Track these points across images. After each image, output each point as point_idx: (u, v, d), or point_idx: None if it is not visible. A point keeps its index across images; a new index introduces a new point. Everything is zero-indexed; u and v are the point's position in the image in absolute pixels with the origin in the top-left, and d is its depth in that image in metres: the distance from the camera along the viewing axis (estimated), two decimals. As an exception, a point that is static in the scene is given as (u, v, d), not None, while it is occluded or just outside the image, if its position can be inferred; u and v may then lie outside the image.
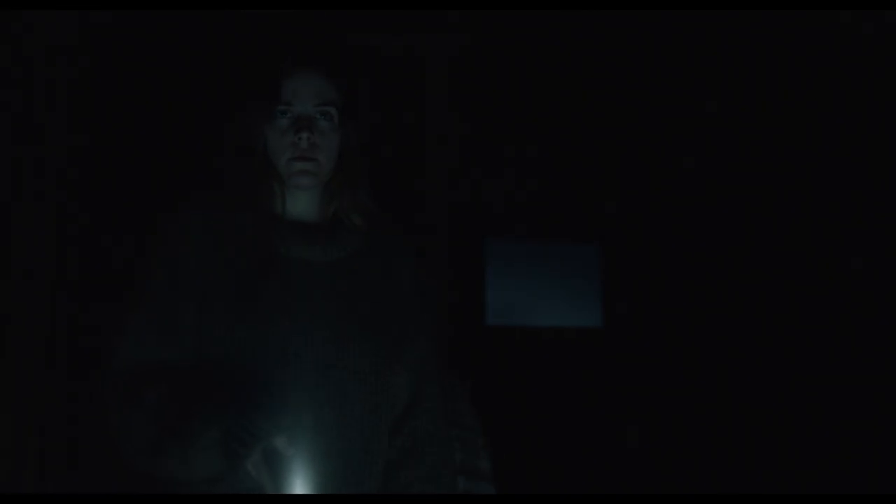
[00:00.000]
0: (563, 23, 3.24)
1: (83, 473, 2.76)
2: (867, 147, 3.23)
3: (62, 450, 2.84)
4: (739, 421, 3.33)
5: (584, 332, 3.59)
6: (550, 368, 3.51)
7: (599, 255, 3.65)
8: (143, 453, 1.56)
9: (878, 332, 3.20)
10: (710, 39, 3.25)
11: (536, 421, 3.40)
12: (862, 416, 3.17)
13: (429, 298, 1.83)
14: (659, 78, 3.38)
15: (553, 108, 3.47)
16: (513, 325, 3.63)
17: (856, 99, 3.20)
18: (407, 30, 3.28)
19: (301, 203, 1.72)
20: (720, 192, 3.45)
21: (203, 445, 1.50)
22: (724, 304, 3.42)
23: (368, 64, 1.92)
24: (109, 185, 2.95)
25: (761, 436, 3.29)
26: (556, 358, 3.53)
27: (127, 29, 2.92)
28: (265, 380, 1.57)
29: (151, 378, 1.58)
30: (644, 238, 3.52)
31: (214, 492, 1.54)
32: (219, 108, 1.77)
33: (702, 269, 3.46)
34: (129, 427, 1.57)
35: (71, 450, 2.82)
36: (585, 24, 3.25)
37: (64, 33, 2.86)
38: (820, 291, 3.30)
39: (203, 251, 1.64)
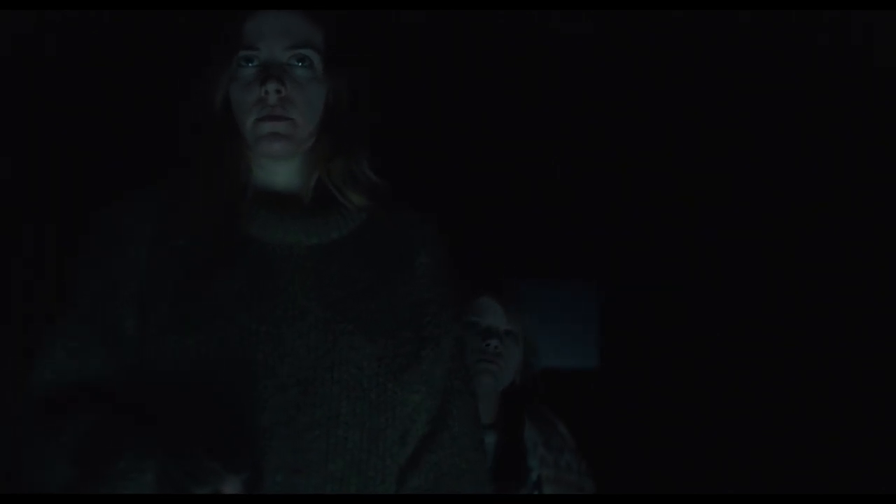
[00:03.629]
0: (563, 64, 3.22)
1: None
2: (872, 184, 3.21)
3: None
4: (742, 465, 3.30)
5: (580, 374, 3.53)
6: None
7: (598, 296, 3.61)
8: (53, 490, 1.19)
9: (881, 357, 3.18)
10: (713, 79, 3.21)
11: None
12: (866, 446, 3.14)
13: (451, 290, 1.41)
14: (658, 121, 3.36)
15: (555, 147, 3.44)
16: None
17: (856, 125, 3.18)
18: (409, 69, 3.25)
19: (280, 174, 1.35)
20: (722, 233, 3.44)
21: (133, 488, 1.14)
22: (725, 346, 3.40)
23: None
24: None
25: (762, 478, 3.27)
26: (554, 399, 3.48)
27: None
28: (224, 402, 1.20)
29: (75, 403, 1.23)
30: (643, 279, 3.50)
31: None
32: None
33: (701, 309, 3.43)
34: (40, 462, 1.20)
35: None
36: (588, 65, 3.22)
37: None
38: (825, 336, 3.27)
39: (147, 241, 1.29)
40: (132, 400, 1.22)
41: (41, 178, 2.64)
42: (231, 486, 1.11)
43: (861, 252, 3.24)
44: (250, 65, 1.28)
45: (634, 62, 3.12)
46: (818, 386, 3.26)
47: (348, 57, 1.32)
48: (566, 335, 3.64)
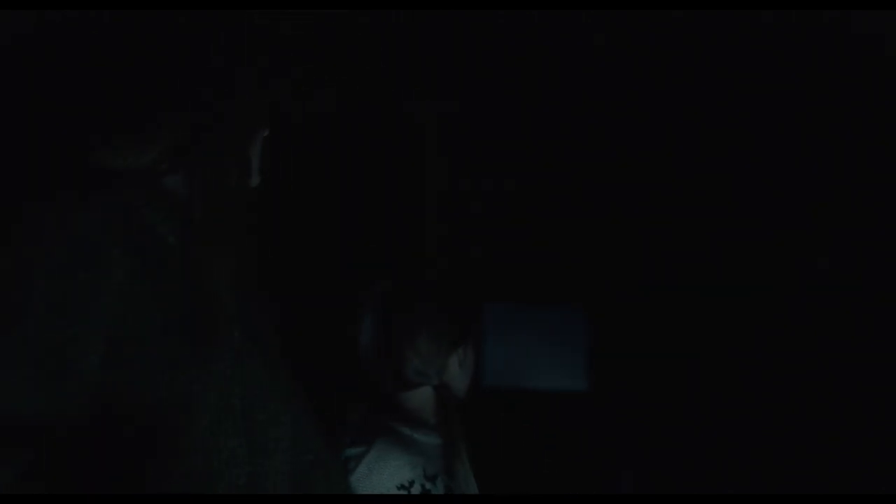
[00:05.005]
0: (556, 82, 3.22)
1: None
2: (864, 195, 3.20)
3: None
4: (735, 468, 3.30)
5: (572, 396, 3.57)
6: (538, 430, 3.48)
7: (585, 318, 3.65)
8: None
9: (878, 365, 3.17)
10: (706, 98, 3.22)
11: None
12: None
13: None
14: (649, 142, 3.37)
15: (545, 170, 3.45)
16: (508, 386, 3.63)
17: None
18: (404, 89, 3.25)
19: None
20: (711, 256, 3.44)
21: None
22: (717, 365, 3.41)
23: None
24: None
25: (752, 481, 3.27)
26: (543, 420, 3.51)
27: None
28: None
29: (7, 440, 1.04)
30: (631, 302, 3.51)
31: None
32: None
33: (689, 331, 3.44)
34: None
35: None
36: (579, 85, 3.22)
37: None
38: (813, 351, 3.27)
39: (125, 262, 1.14)
40: (84, 449, 1.09)
41: (41, 180, 2.64)
42: None
43: (860, 256, 3.24)
44: None
45: (629, 66, 3.13)
46: (814, 393, 3.26)
47: None
48: (554, 357, 3.72)
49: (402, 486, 1.81)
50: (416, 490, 1.83)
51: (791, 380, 3.27)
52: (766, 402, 3.30)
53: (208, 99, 1.25)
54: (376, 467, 1.82)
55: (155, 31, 1.32)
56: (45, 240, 1.11)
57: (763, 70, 3.07)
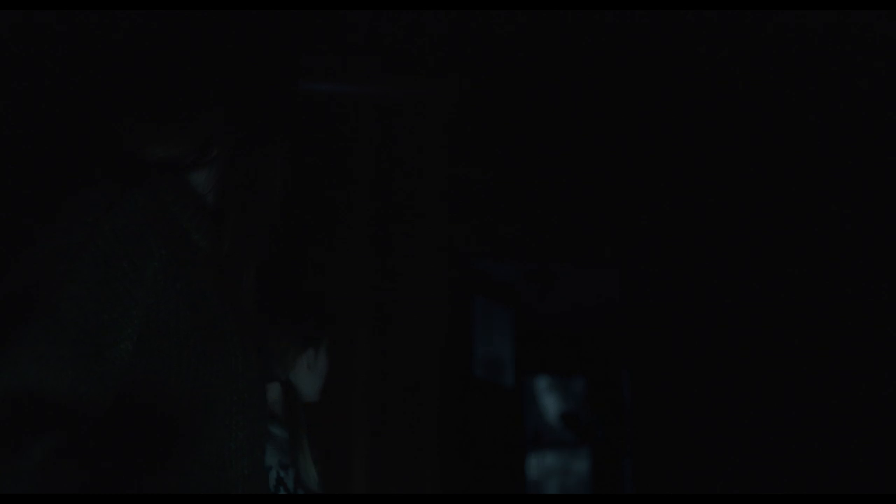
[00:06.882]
0: (556, 81, 3.22)
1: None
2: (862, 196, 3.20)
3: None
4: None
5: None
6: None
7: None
8: None
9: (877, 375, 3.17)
10: (706, 98, 3.22)
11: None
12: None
13: None
14: (648, 143, 3.38)
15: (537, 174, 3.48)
16: (494, 380, 3.69)
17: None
18: (403, 81, 3.25)
19: None
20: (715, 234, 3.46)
21: None
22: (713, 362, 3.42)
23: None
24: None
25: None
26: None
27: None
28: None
29: (36, 421, 1.09)
30: (631, 302, 3.54)
31: None
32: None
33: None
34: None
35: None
36: (580, 85, 3.23)
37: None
38: (813, 351, 3.27)
39: (160, 256, 1.19)
40: (110, 432, 1.15)
41: (41, 179, 2.65)
42: None
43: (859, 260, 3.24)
44: None
45: (629, 66, 3.13)
46: (814, 393, 3.27)
47: None
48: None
49: None
50: (272, 475, 1.99)
51: (791, 380, 3.28)
52: (766, 401, 3.31)
53: (236, 92, 1.28)
54: None
55: (182, 26, 1.33)
56: (88, 226, 1.16)
57: (764, 70, 3.07)
